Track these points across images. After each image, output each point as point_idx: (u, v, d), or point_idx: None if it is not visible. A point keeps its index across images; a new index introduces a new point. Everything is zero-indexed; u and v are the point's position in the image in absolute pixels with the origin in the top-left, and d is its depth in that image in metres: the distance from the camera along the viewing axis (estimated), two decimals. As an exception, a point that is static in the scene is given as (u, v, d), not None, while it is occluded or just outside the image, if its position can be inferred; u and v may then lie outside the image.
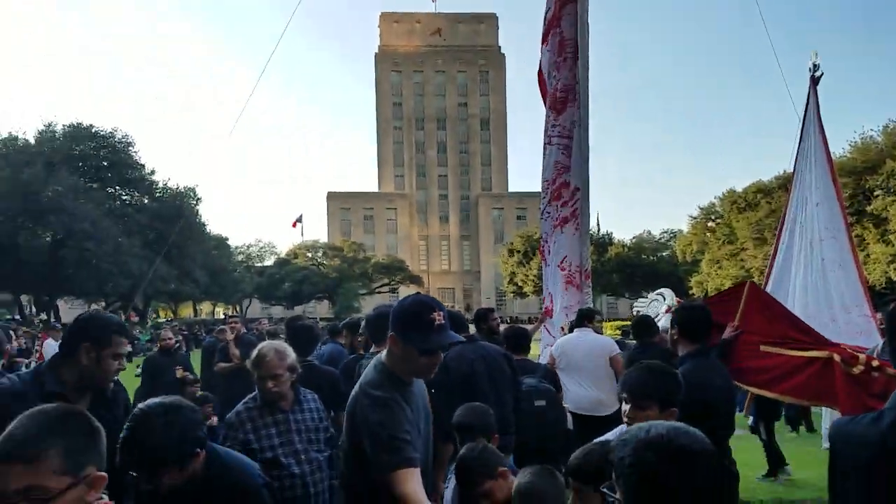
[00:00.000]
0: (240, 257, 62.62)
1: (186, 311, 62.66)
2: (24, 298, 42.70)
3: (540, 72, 6.56)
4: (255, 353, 2.83)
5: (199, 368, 9.15)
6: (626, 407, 2.39)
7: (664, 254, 55.38)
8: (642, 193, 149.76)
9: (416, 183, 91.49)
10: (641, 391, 2.34)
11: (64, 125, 37.34)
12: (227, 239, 55.65)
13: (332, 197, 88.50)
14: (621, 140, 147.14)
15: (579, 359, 5.34)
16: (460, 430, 2.77)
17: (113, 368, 2.29)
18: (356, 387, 2.24)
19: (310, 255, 65.41)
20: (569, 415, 5.12)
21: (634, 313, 20.25)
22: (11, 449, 1.23)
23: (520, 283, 54.77)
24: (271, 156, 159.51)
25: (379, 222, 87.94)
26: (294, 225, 68.09)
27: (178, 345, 18.17)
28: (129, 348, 2.28)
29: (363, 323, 4.60)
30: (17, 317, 39.73)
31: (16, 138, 36.39)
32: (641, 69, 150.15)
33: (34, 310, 41.40)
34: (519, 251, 54.92)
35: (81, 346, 2.21)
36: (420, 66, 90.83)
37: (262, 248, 70.49)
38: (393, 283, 66.91)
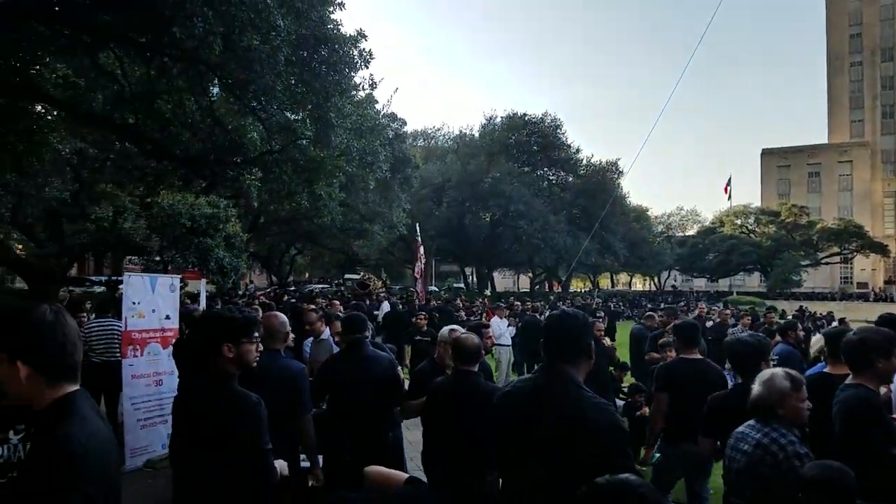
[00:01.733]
0: (659, 228, 62.76)
1: (604, 281, 66.09)
2: (467, 270, 51.87)
3: None
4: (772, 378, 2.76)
5: (629, 356, 9.59)
6: None
7: None
8: None
9: (882, 127, 76.74)
10: None
11: (501, 116, 43.50)
12: (647, 210, 56.59)
13: (767, 154, 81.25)
14: None
15: None
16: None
17: None
18: None
19: (739, 221, 61.30)
20: None
21: None
22: None
23: None
24: (696, 117, 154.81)
25: (827, 179, 76.64)
26: (725, 190, 64.44)
27: (601, 319, 19.73)
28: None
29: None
30: (461, 285, 48.81)
31: (465, 134, 44.45)
32: None
33: (475, 280, 49.81)
34: None
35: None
36: (890, -17, 75.49)
37: (683, 216, 69.37)
38: (846, 251, 57.40)
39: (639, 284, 76.48)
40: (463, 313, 16.60)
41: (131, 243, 14.43)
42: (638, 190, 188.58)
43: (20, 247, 22.77)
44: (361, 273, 38.98)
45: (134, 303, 6.73)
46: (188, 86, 9.50)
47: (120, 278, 11.85)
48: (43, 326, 1.69)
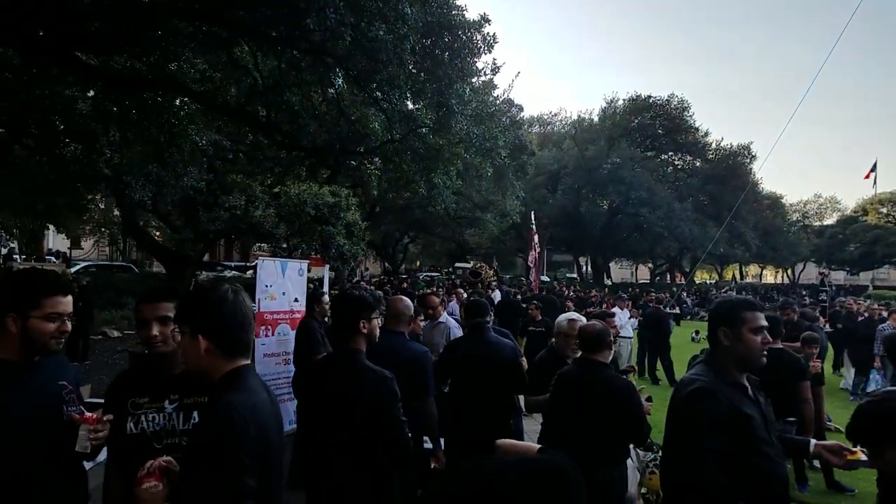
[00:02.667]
0: (794, 216, 58.39)
1: (730, 273, 62.42)
2: (581, 260, 50.70)
3: None
4: None
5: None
6: None
7: None
8: None
9: None
10: None
11: (623, 99, 41.99)
12: (781, 197, 52.87)
13: (919, 135, 72.82)
14: None
15: None
16: None
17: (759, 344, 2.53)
18: None
19: (885, 209, 55.74)
20: None
21: None
22: None
23: None
24: (835, 99, 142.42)
25: None
26: (867, 176, 58.76)
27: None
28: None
29: None
30: (574, 275, 47.79)
31: (583, 119, 43.30)
32: None
33: (589, 270, 48.61)
34: None
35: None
36: None
37: (821, 204, 64.06)
38: None
39: (769, 276, 71.60)
40: (571, 304, 15.70)
41: (261, 231, 15.27)
42: (772, 175, 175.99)
43: (157, 233, 24.91)
44: (473, 262, 39.32)
45: (266, 286, 7.16)
46: (316, 78, 9.91)
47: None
48: (224, 305, 1.85)
